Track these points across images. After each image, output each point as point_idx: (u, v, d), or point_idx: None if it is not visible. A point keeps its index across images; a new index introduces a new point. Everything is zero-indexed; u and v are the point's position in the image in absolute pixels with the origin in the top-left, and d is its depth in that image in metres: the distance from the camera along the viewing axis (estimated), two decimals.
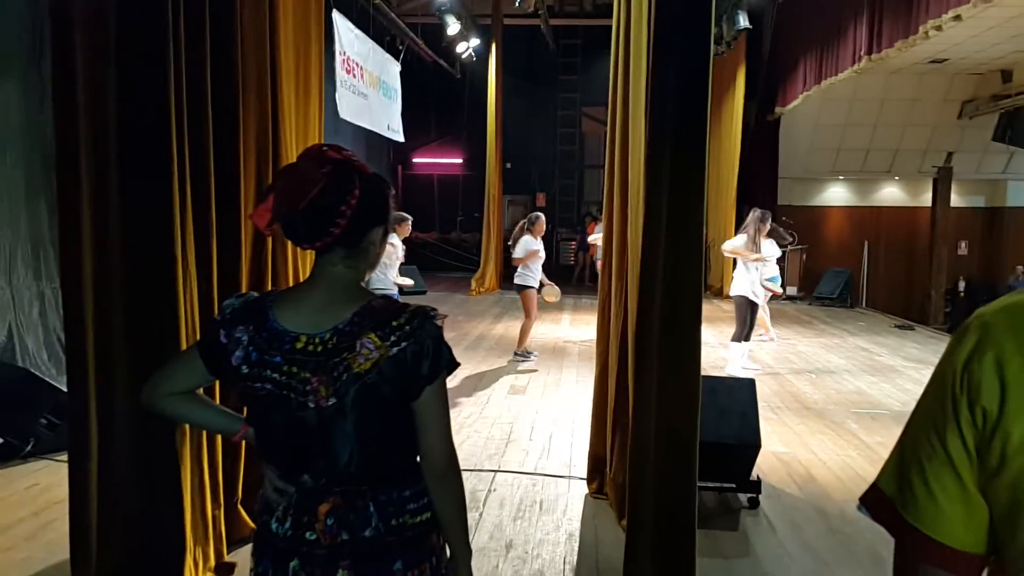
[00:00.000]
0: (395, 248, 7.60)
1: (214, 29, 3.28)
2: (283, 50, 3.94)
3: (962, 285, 17.47)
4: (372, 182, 1.50)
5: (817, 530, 4.21)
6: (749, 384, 4.60)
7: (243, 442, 1.65)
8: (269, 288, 3.68)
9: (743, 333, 7.93)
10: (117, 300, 2.93)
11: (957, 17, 7.94)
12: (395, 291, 7.88)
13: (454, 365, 1.50)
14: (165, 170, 2.91)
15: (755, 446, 4.39)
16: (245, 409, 1.58)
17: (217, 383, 2.64)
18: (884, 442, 5.83)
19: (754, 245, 7.83)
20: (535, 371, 8.16)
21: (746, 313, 7.89)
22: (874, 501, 0.87)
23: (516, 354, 8.72)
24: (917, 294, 17.09)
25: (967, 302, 17.28)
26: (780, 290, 9.30)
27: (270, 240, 3.76)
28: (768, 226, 8.00)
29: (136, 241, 2.93)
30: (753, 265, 7.84)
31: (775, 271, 9.24)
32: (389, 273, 7.76)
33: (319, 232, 1.45)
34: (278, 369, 1.45)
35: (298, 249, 3.98)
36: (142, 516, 3.01)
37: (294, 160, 1.55)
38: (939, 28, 8.34)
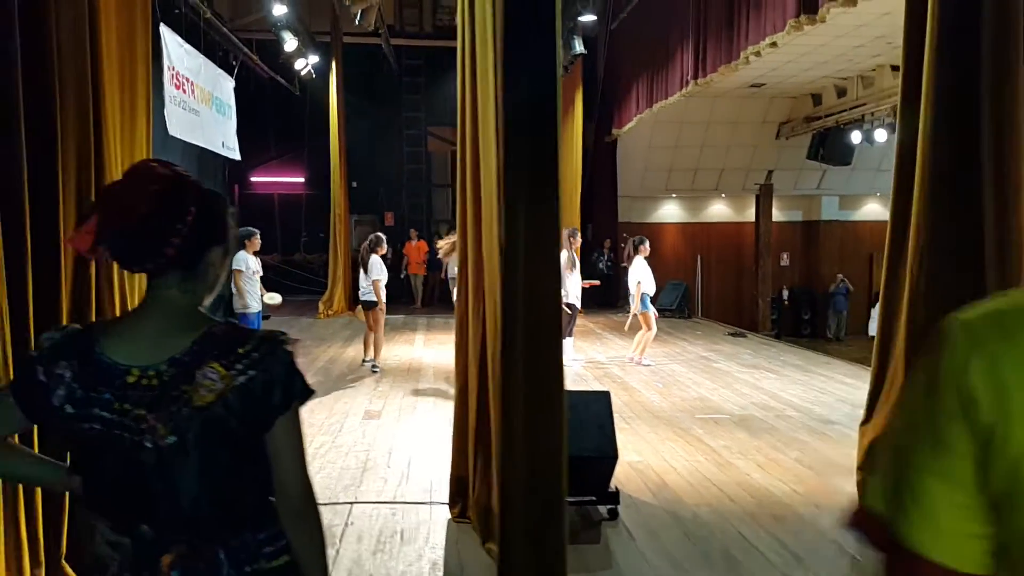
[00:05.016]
0: (248, 266, 7.39)
1: (24, 37, 2.97)
2: (106, 64, 3.65)
3: (786, 294, 18.87)
4: (209, 199, 1.40)
5: (673, 536, 4.33)
6: (605, 396, 4.69)
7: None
8: (93, 319, 3.36)
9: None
10: None
11: (773, 44, 8.60)
12: (257, 309, 7.61)
13: (308, 393, 1.39)
14: None
15: (613, 457, 4.48)
16: (69, 455, 1.40)
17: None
18: (728, 445, 6.12)
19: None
20: (389, 393, 7.99)
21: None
22: (867, 523, 0.83)
23: (372, 364, 9.11)
24: (746, 303, 18.33)
25: (791, 309, 18.71)
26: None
27: (93, 266, 3.44)
28: (578, 241, 9.91)
29: None
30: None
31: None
32: (253, 292, 7.53)
33: (151, 254, 1.33)
34: (108, 407, 1.29)
35: (126, 275, 3.68)
36: None
37: (119, 178, 1.40)
38: (758, 54, 9.02)
